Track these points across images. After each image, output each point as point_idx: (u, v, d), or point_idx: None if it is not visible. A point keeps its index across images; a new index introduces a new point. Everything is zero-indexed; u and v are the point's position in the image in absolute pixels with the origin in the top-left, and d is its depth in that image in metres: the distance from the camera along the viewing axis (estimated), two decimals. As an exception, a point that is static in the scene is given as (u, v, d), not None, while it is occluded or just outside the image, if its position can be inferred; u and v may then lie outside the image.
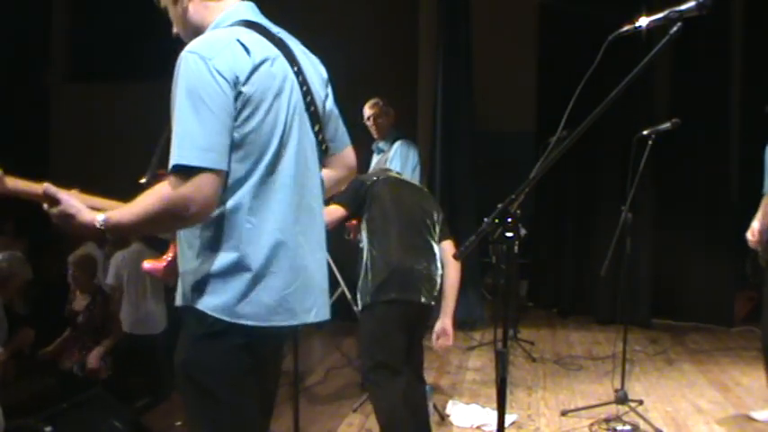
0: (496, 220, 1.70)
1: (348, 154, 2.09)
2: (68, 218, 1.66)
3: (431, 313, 3.22)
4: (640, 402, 4.13)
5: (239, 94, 1.62)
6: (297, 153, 1.77)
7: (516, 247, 2.08)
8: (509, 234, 1.70)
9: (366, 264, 3.12)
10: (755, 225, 3.86)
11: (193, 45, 1.63)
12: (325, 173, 2.03)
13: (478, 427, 3.92)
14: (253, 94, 1.64)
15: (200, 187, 1.57)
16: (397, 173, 3.70)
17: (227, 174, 1.63)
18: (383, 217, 3.15)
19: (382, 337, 3.06)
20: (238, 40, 1.66)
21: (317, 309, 1.82)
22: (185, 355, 1.73)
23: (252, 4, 1.85)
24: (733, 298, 6.53)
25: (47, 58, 8.26)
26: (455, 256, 3.22)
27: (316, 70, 1.92)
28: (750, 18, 6.58)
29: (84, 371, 4.37)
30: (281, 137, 1.73)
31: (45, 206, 1.70)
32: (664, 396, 4.50)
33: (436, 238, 3.25)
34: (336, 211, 3.09)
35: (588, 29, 5.87)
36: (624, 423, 3.85)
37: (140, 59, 7.10)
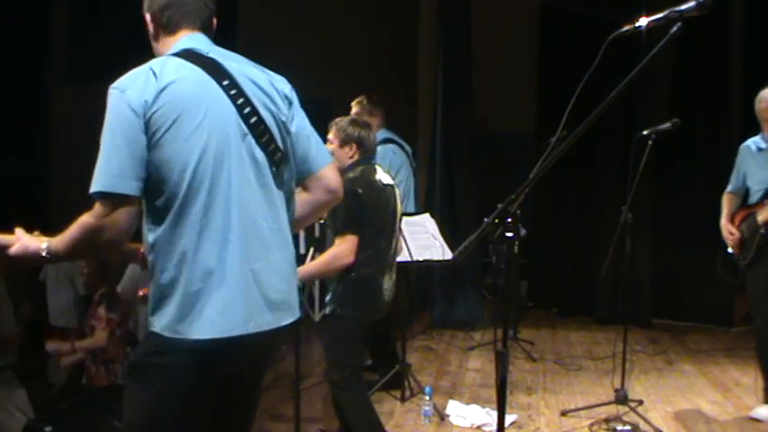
0: (496, 220, 1.70)
1: (326, 175, 2.00)
2: (24, 250, 1.83)
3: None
4: (640, 402, 4.13)
5: (152, 116, 1.72)
6: (230, 165, 1.77)
7: (516, 247, 2.08)
8: (509, 234, 1.70)
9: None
10: (723, 221, 4.30)
11: (117, 80, 1.78)
12: (304, 197, 2.01)
13: (478, 427, 3.92)
14: (161, 111, 1.72)
15: (112, 215, 1.70)
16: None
17: (146, 199, 1.74)
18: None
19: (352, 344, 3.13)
20: (151, 68, 1.78)
21: (255, 320, 1.79)
22: (135, 357, 1.86)
23: (197, 36, 1.91)
24: (733, 298, 6.51)
25: (47, 59, 8.25)
26: (455, 257, 3.23)
27: (268, 87, 1.91)
28: (750, 18, 6.57)
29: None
30: (203, 149, 1.74)
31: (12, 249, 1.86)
32: (664, 396, 4.50)
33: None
34: (352, 240, 2.96)
35: (588, 29, 5.88)
36: (624, 423, 3.85)
37: (140, 60, 7.08)
